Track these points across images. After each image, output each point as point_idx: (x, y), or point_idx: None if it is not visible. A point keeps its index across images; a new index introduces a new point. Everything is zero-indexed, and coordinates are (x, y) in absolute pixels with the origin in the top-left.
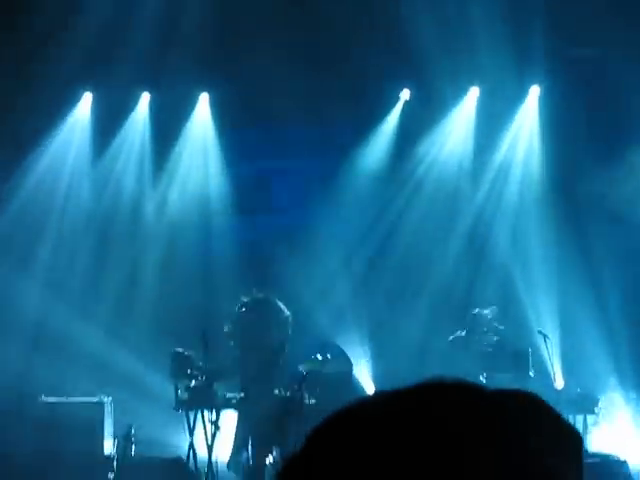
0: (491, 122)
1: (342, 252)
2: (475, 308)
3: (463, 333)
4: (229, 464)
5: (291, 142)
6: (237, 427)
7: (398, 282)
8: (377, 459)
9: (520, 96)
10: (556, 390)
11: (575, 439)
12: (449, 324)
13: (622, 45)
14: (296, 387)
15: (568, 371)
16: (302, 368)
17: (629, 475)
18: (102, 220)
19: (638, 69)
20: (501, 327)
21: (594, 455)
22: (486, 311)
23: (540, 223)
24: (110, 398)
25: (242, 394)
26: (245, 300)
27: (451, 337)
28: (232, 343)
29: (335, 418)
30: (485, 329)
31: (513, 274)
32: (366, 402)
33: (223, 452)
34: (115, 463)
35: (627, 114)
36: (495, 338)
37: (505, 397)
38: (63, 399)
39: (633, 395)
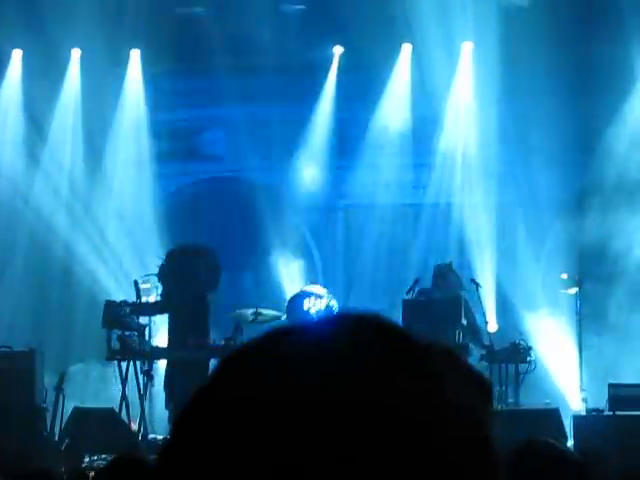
0: (428, 80)
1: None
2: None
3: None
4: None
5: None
6: (165, 375)
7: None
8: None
9: (453, 53)
10: (489, 334)
11: (485, 387)
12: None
13: None
14: (229, 336)
15: (502, 319)
16: (234, 318)
17: (561, 423)
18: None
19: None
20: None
21: (525, 404)
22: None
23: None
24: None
25: (170, 343)
26: (175, 246)
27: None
28: (160, 289)
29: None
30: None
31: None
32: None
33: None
34: (47, 414)
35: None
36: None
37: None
38: None
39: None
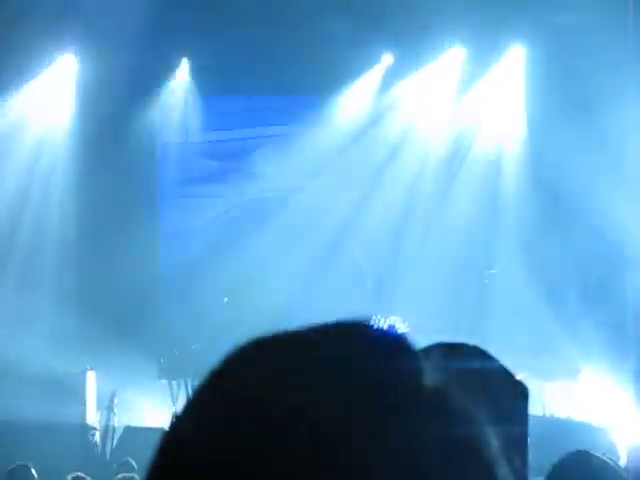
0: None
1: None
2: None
3: None
4: None
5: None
6: None
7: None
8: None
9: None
10: None
11: (521, 389)
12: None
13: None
14: None
15: None
16: None
17: (611, 444)
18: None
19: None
20: None
21: (574, 422)
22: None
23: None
24: (93, 368)
25: None
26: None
27: None
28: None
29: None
30: None
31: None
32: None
33: None
34: (98, 432)
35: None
36: None
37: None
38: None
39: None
